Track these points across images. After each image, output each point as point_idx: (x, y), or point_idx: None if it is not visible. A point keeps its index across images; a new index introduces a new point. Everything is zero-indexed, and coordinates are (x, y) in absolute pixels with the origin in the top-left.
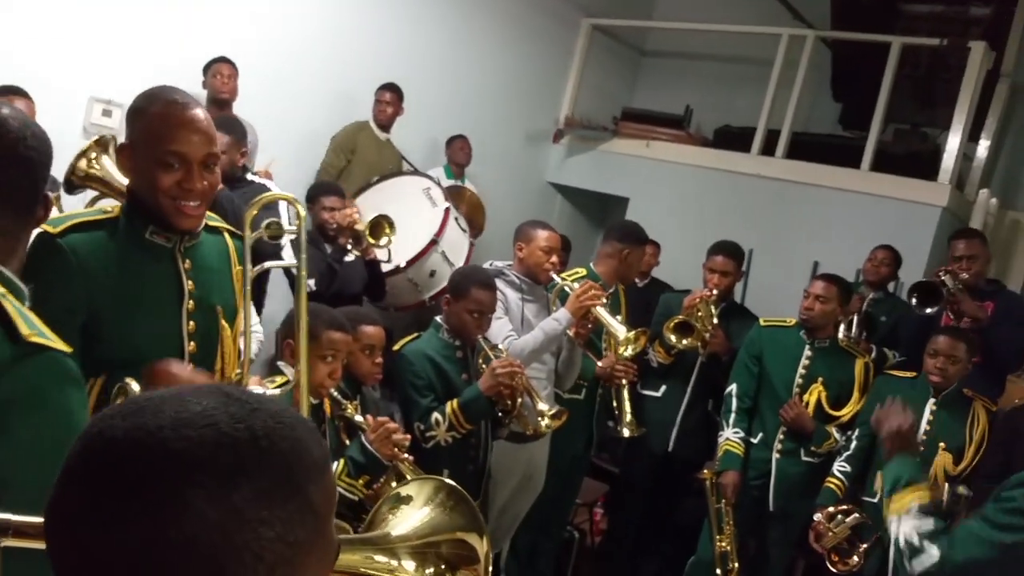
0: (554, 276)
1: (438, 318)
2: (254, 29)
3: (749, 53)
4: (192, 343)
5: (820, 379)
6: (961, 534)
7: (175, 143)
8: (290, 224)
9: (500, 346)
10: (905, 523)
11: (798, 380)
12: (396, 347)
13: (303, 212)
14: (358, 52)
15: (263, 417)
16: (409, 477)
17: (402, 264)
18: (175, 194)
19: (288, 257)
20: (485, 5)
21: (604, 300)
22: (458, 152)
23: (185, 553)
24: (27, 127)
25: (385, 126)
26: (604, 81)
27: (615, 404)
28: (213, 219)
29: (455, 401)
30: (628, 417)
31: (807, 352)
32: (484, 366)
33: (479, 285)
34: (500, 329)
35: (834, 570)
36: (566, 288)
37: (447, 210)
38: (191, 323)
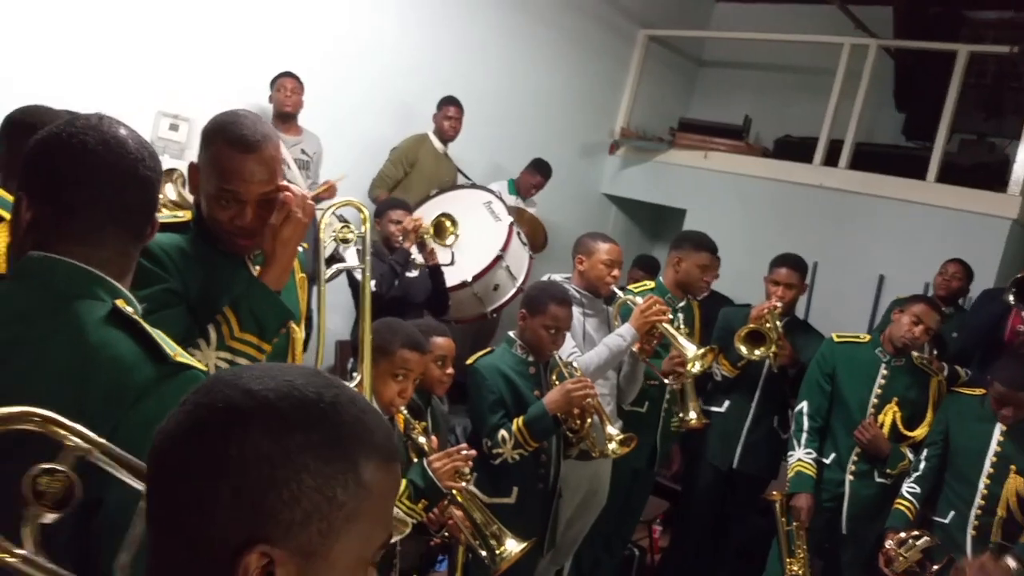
0: (615, 290)
1: (511, 333)
2: (317, 43)
3: (809, 62)
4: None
5: (895, 399)
6: None
7: (231, 183)
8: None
9: (575, 363)
10: None
11: (873, 400)
12: (469, 361)
13: (367, 216)
14: (417, 65)
15: (337, 391)
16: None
17: (469, 279)
18: (228, 227)
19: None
20: (542, 18)
21: (670, 316)
22: (527, 182)
23: (238, 470)
24: (144, 147)
25: (447, 139)
26: (660, 92)
27: (680, 398)
28: None
29: (521, 419)
30: (692, 404)
31: (883, 371)
32: (557, 382)
33: (556, 301)
34: (563, 345)
35: None
36: (629, 303)
37: (511, 225)
38: None
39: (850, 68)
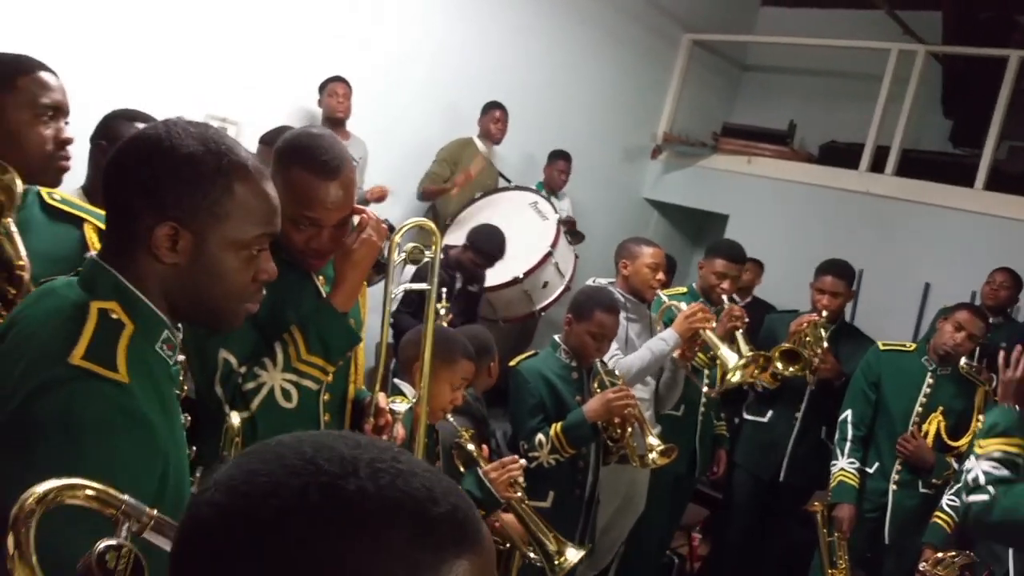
0: (660, 294)
1: (556, 337)
2: (363, 47)
3: (855, 67)
4: None
5: (940, 408)
6: (1018, 488)
7: (312, 210)
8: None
9: (618, 372)
10: (981, 463)
11: (918, 409)
12: (512, 363)
13: (439, 238)
14: (462, 68)
15: (377, 476)
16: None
17: (520, 275)
18: (302, 249)
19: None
20: (585, 21)
21: (713, 323)
22: (554, 174)
23: None
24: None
25: (494, 142)
26: (704, 96)
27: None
28: None
29: (559, 424)
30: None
31: (928, 380)
32: (598, 390)
33: (604, 308)
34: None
35: None
36: (673, 308)
37: (559, 222)
38: None
39: (897, 74)
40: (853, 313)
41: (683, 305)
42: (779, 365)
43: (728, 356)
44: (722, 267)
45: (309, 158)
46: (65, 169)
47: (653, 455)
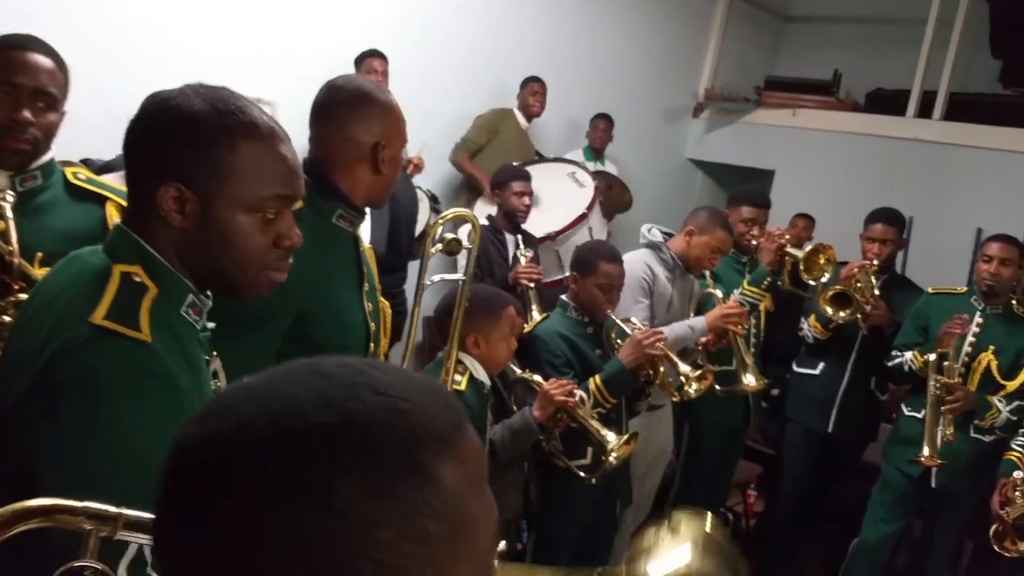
0: (707, 276)
1: (563, 296)
2: (400, 19)
3: (899, 12)
4: (372, 323)
5: (992, 347)
6: None
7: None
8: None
9: (634, 319)
10: None
11: (967, 348)
12: (527, 329)
13: (478, 230)
14: (498, 38)
15: (362, 392)
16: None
17: (553, 232)
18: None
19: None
20: None
21: (744, 329)
22: (596, 137)
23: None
24: None
25: (533, 115)
26: (745, 50)
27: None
28: None
29: (598, 377)
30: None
31: (978, 319)
32: (619, 341)
33: (606, 259)
34: (639, 314)
35: (1005, 553)
36: (714, 297)
37: (596, 188)
38: (369, 304)
39: (942, 15)
40: (904, 262)
41: (720, 294)
42: (829, 310)
43: (746, 365)
44: (749, 213)
45: (392, 101)
46: (17, 151)
47: (694, 386)
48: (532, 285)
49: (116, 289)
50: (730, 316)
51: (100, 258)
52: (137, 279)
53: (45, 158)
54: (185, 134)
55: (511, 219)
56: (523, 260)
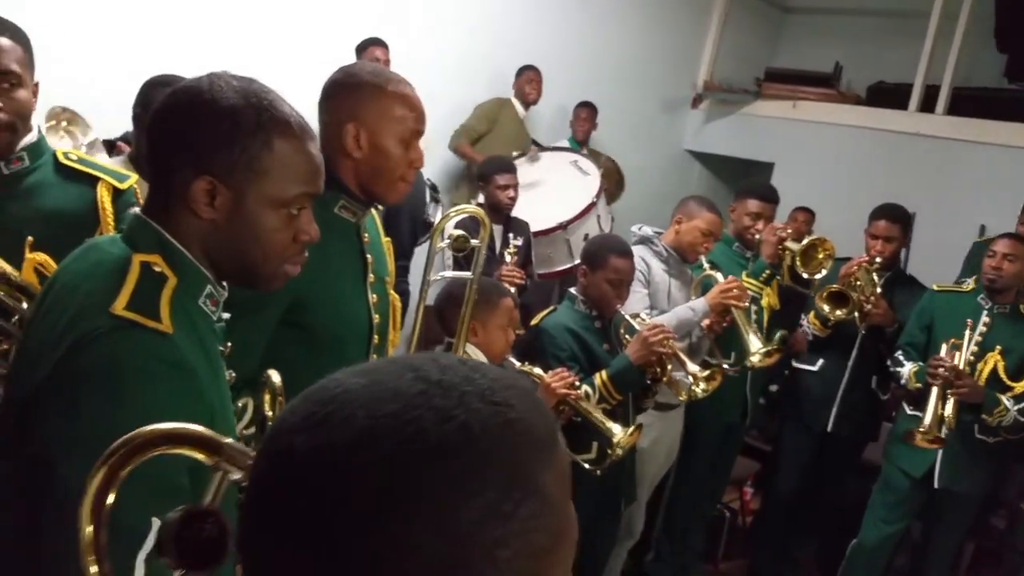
0: (704, 260)
1: (572, 290)
2: (402, 7)
3: (902, 4)
4: (377, 315)
5: (998, 347)
6: None
7: (421, 123)
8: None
9: (642, 315)
10: None
11: (973, 348)
12: (534, 321)
13: (488, 228)
14: (497, 27)
15: (474, 403)
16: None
17: (565, 221)
18: (406, 171)
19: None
20: None
21: (746, 303)
22: (579, 127)
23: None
24: None
25: (530, 103)
26: (745, 41)
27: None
28: None
29: (604, 372)
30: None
31: (984, 318)
32: (627, 337)
33: (617, 253)
34: (638, 303)
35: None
36: (711, 278)
37: (601, 176)
38: (374, 296)
39: (947, 8)
40: (907, 258)
41: (720, 276)
42: (826, 308)
43: (752, 343)
44: (756, 207)
45: (394, 79)
46: None
47: (702, 385)
48: (513, 289)
49: (136, 279)
50: (729, 291)
51: (119, 247)
52: (157, 269)
53: (31, 138)
54: (222, 130)
55: (496, 211)
56: (508, 258)
